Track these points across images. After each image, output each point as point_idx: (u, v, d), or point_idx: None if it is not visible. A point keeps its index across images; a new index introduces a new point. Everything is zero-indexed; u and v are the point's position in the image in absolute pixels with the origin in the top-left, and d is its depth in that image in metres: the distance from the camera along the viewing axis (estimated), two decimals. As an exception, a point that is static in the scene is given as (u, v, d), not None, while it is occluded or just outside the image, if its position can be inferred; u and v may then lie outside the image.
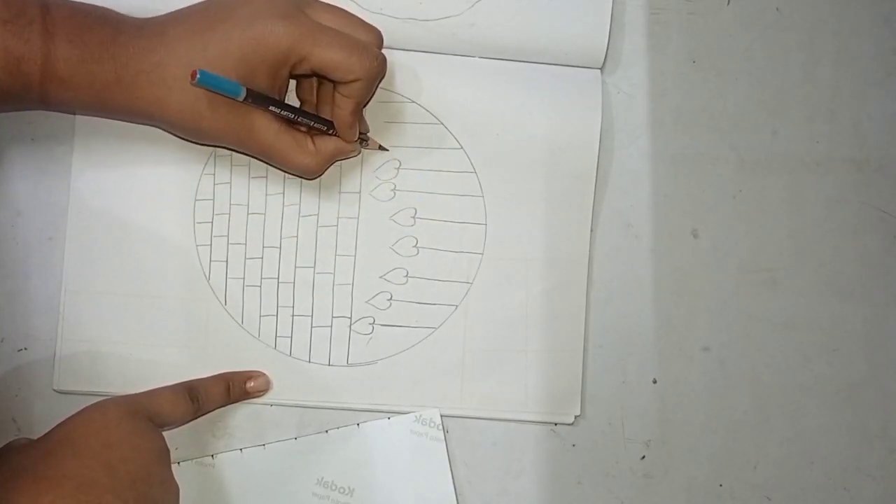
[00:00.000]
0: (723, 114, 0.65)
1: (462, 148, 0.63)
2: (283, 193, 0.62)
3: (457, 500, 0.61)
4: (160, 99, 0.55)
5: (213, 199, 0.62)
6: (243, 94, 0.53)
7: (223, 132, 0.56)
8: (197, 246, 0.62)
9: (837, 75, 0.66)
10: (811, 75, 0.66)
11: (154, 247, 0.61)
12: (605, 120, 0.63)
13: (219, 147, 0.61)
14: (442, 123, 0.63)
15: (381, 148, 0.63)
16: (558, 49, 0.63)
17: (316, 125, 0.58)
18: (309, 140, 0.59)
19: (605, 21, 0.63)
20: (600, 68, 0.64)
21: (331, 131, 0.59)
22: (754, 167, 0.65)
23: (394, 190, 0.63)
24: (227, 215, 0.62)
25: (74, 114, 0.61)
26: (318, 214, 0.62)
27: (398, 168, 0.63)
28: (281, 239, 0.62)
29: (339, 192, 0.63)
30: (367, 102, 0.61)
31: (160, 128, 0.59)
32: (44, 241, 0.62)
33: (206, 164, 0.62)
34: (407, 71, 0.62)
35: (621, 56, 0.65)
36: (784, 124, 0.65)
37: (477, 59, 0.63)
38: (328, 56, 0.55)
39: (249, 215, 0.62)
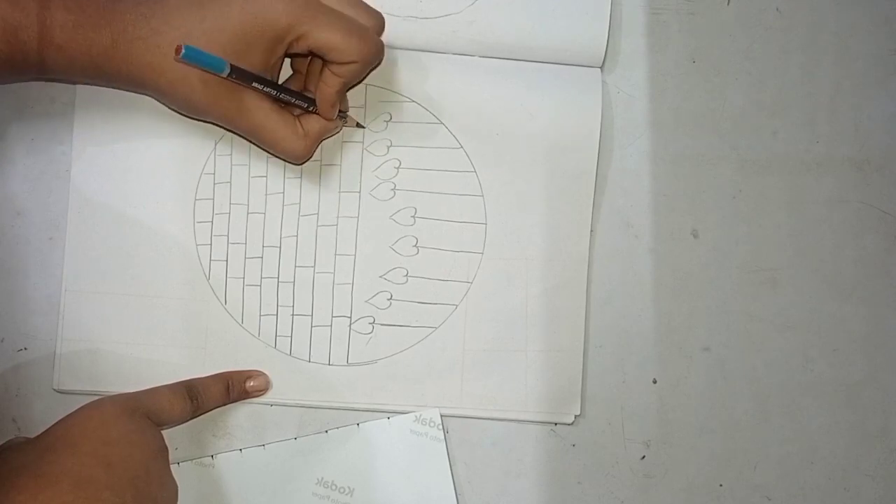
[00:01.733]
0: (723, 114, 0.65)
1: (462, 147, 0.63)
2: (283, 193, 0.62)
3: (457, 500, 0.61)
4: (155, 67, 0.54)
5: (213, 199, 0.62)
6: (227, 70, 0.53)
7: (213, 107, 0.56)
8: (197, 245, 0.62)
9: (837, 75, 0.66)
10: (811, 75, 0.66)
11: (154, 246, 0.61)
12: (605, 120, 0.63)
13: (210, 123, 0.60)
14: (442, 122, 0.63)
15: (358, 125, 0.62)
16: (557, 47, 0.63)
17: (297, 102, 0.58)
18: (298, 123, 0.58)
19: (604, 20, 0.63)
20: (600, 67, 0.64)
21: (311, 108, 0.59)
22: (754, 167, 0.65)
23: (394, 189, 0.63)
24: (227, 215, 0.62)
25: (74, 83, 0.61)
26: (317, 214, 0.62)
27: (398, 167, 0.63)
28: (281, 238, 0.62)
29: (339, 192, 0.63)
30: (356, 85, 0.61)
31: (154, 97, 0.59)
32: (44, 241, 0.62)
33: (206, 163, 0.62)
34: (407, 70, 0.63)
35: (621, 56, 0.65)
36: (784, 124, 0.65)
37: (477, 58, 0.63)
38: (326, 37, 0.54)
39: (249, 215, 0.62)
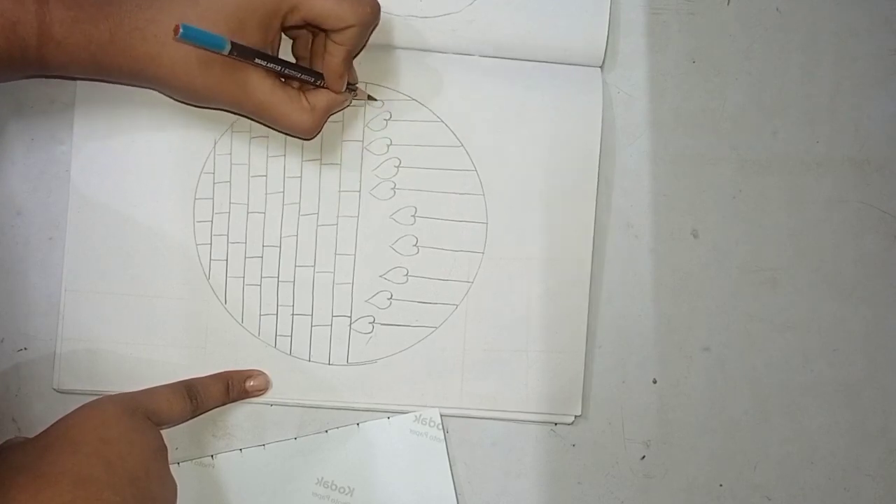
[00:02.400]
0: (723, 114, 0.65)
1: (462, 146, 0.63)
2: (283, 192, 0.62)
3: (457, 500, 0.61)
4: (154, 56, 0.54)
5: (213, 198, 0.62)
6: (228, 47, 0.53)
7: (216, 90, 0.56)
8: (197, 245, 0.62)
9: (837, 75, 0.66)
10: (811, 75, 0.66)
11: (154, 246, 0.61)
12: (605, 119, 0.63)
13: (213, 109, 0.60)
14: (442, 121, 0.63)
15: (370, 98, 0.62)
16: (557, 46, 0.63)
17: (303, 77, 0.58)
18: (303, 96, 0.58)
19: (603, 19, 0.63)
20: (600, 67, 0.64)
21: (319, 83, 0.58)
22: (754, 167, 0.65)
23: (394, 188, 0.63)
24: (227, 214, 0.62)
25: (75, 79, 0.61)
26: (317, 213, 0.62)
27: (398, 166, 0.63)
28: (281, 238, 0.62)
29: (339, 191, 0.63)
30: (359, 52, 0.60)
31: (156, 89, 0.59)
32: (44, 241, 0.62)
33: (205, 162, 0.62)
34: (407, 69, 0.63)
35: (621, 56, 0.65)
36: (784, 124, 0.65)
37: (477, 57, 0.63)
38: (319, 5, 0.54)
39: (249, 214, 0.62)
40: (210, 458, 0.61)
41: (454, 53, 0.63)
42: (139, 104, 0.61)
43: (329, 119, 0.61)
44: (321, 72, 0.58)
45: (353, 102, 0.62)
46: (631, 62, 0.65)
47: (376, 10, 0.57)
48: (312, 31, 0.59)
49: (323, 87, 0.59)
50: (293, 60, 0.61)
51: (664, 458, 0.63)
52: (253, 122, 0.61)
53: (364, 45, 0.60)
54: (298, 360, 0.62)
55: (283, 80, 0.58)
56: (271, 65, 0.56)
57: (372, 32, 0.59)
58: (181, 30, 0.50)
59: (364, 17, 0.56)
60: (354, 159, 0.63)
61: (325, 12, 0.55)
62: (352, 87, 0.60)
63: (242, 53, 0.54)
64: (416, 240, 0.63)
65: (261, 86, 0.56)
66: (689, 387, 0.64)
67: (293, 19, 0.56)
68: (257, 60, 0.55)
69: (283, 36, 0.60)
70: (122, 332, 0.61)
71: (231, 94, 0.56)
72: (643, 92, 0.65)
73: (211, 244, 0.62)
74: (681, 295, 0.64)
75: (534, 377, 0.62)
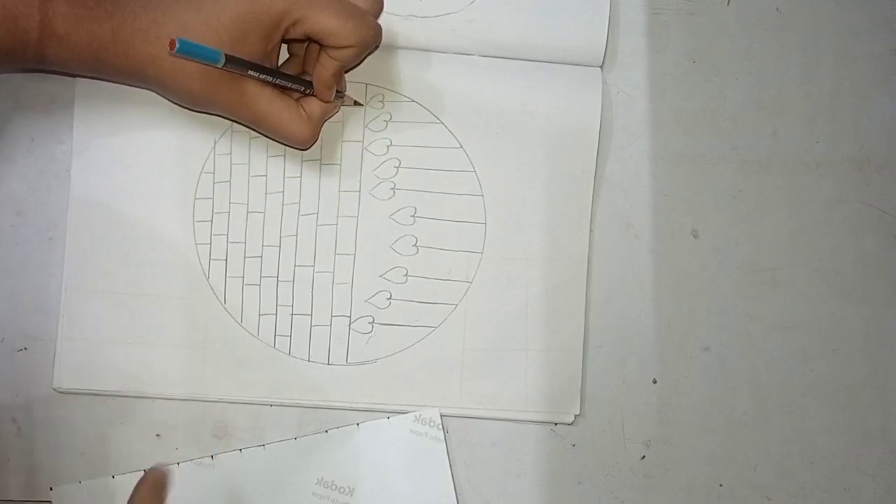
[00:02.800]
0: (723, 114, 0.65)
1: (462, 147, 0.63)
2: (283, 192, 0.62)
3: (457, 500, 0.61)
4: (155, 58, 0.54)
5: (213, 198, 0.62)
6: (222, 60, 0.53)
7: (214, 97, 0.56)
8: (196, 245, 0.62)
9: (837, 75, 0.66)
10: (811, 75, 0.66)
11: (154, 246, 0.61)
12: (605, 119, 0.63)
13: (211, 114, 0.60)
14: (441, 122, 0.63)
15: (356, 103, 0.62)
16: (557, 46, 0.63)
17: (293, 87, 0.58)
18: (300, 107, 0.58)
19: (603, 19, 0.63)
20: (600, 66, 0.64)
21: (308, 91, 0.59)
22: (754, 167, 0.65)
23: (393, 189, 0.63)
24: (227, 214, 0.62)
25: (73, 76, 0.61)
26: (317, 213, 0.62)
27: (398, 167, 0.63)
28: (280, 237, 0.62)
29: (339, 191, 0.63)
30: (352, 68, 0.60)
31: (155, 91, 0.59)
32: (44, 241, 0.62)
33: (205, 162, 0.62)
34: (407, 69, 0.63)
35: (621, 56, 0.65)
36: (784, 124, 0.65)
37: (477, 57, 0.63)
38: (322, 22, 0.54)
39: (249, 214, 0.62)
40: (210, 458, 0.61)
41: (454, 53, 0.63)
42: (139, 104, 0.61)
43: (329, 120, 0.61)
44: (311, 80, 0.58)
45: (342, 108, 0.62)
46: (631, 62, 0.65)
47: (378, 34, 0.57)
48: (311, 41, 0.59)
49: (311, 94, 0.59)
50: (288, 56, 0.61)
51: (664, 458, 0.63)
52: (253, 123, 0.62)
53: (359, 64, 0.60)
54: (298, 360, 0.62)
55: (281, 90, 0.58)
56: (264, 76, 0.56)
57: (370, 54, 0.59)
58: (177, 44, 0.50)
59: (365, 40, 0.56)
60: (354, 160, 0.63)
61: (328, 30, 0.55)
62: (340, 95, 0.60)
63: (236, 66, 0.54)
64: (415, 240, 0.63)
65: (260, 95, 0.57)
66: (689, 387, 0.64)
67: (295, 32, 0.56)
68: (250, 72, 0.55)
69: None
70: (122, 331, 0.61)
71: (229, 102, 0.56)
72: (643, 92, 0.65)
73: (211, 244, 0.62)
74: (681, 295, 0.64)
75: (533, 376, 0.62)
